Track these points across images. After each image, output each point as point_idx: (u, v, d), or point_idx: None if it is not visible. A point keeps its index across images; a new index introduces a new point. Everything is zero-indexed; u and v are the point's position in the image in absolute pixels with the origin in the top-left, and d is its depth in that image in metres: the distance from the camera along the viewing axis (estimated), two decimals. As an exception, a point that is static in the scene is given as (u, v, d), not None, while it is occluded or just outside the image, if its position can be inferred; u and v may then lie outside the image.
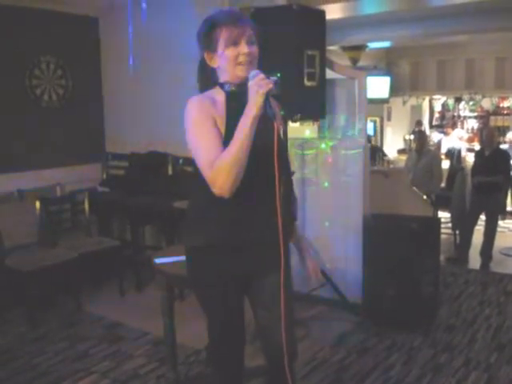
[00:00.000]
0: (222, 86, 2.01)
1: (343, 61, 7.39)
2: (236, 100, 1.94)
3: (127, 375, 3.44)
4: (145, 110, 5.43)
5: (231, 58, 1.93)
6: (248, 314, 2.17)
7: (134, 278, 4.93)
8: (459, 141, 10.32)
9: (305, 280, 2.26)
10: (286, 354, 1.98)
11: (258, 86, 1.79)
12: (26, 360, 3.65)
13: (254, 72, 1.87)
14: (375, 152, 7.55)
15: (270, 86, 1.79)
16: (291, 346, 2.09)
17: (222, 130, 1.92)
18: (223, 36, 1.93)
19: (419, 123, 10.86)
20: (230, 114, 1.95)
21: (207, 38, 1.98)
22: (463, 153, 9.68)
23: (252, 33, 1.96)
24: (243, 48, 1.93)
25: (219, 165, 1.82)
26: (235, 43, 1.93)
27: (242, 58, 1.93)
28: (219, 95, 2.00)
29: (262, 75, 1.83)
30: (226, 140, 1.86)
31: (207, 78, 2.06)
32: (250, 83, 1.83)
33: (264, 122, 1.86)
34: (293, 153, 4.37)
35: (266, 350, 2.18)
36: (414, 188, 6.20)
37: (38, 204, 4.72)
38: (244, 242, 2.00)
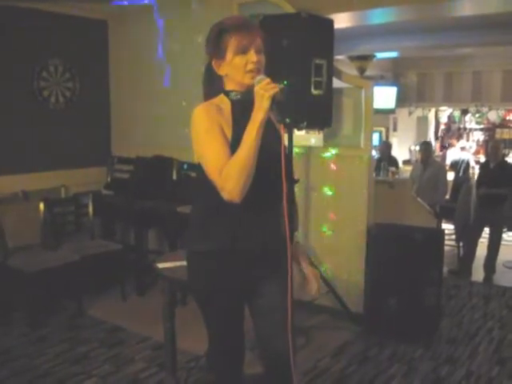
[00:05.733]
0: (227, 94, 2.01)
1: (350, 70, 7.39)
2: (242, 108, 1.94)
3: (127, 379, 3.43)
4: (151, 114, 5.45)
5: (240, 66, 1.93)
6: (248, 320, 2.17)
7: (136, 282, 4.93)
8: (461, 151, 10.33)
9: (304, 289, 2.22)
10: (292, 363, 1.98)
11: (264, 90, 1.79)
12: (25, 361, 3.65)
13: (259, 77, 1.87)
14: (380, 161, 7.55)
15: (276, 89, 1.79)
16: (284, 354, 2.08)
17: (229, 137, 1.92)
18: (232, 43, 1.93)
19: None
20: (236, 122, 1.95)
21: (216, 44, 1.97)
22: (472, 163, 9.68)
23: (260, 41, 1.96)
24: (252, 56, 1.92)
25: (228, 170, 1.82)
26: (244, 51, 1.92)
27: (250, 66, 1.92)
28: (224, 103, 2.00)
29: (267, 79, 1.83)
30: (234, 147, 1.86)
31: (213, 85, 2.06)
32: (256, 88, 1.83)
33: (269, 127, 1.86)
34: (297, 161, 4.38)
35: (263, 358, 2.18)
36: (419, 199, 6.18)
37: (42, 205, 4.72)
38: (247, 248, 1.99)
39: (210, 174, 1.89)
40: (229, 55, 1.94)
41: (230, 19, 2.02)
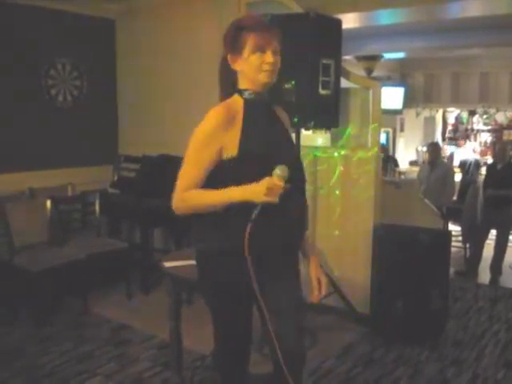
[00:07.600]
0: (241, 92, 2.01)
1: (358, 70, 7.37)
2: (254, 107, 1.96)
3: (132, 378, 3.44)
4: (158, 112, 5.45)
5: (255, 65, 1.94)
6: (254, 321, 2.16)
7: (141, 281, 4.93)
8: (471, 152, 10.33)
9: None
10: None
11: (269, 192, 1.81)
12: (30, 360, 3.65)
13: (280, 170, 1.83)
14: (387, 162, 7.54)
15: (275, 199, 1.82)
16: (301, 352, 2.09)
17: (236, 141, 1.92)
18: (251, 41, 1.93)
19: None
20: (247, 122, 1.95)
21: (234, 40, 1.97)
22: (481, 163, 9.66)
23: (277, 43, 1.97)
24: (269, 57, 1.93)
25: (189, 197, 1.96)
26: (262, 50, 1.93)
27: (265, 67, 1.94)
28: (237, 104, 2.00)
29: (281, 183, 1.83)
30: (241, 147, 1.86)
31: (228, 80, 2.05)
32: (268, 180, 1.82)
33: (280, 127, 1.86)
34: (305, 161, 4.36)
35: (274, 356, 2.16)
36: (426, 200, 6.16)
37: (48, 203, 4.73)
38: (258, 248, 1.97)
39: (177, 183, 1.99)
40: (246, 52, 1.95)
41: (250, 18, 2.05)
